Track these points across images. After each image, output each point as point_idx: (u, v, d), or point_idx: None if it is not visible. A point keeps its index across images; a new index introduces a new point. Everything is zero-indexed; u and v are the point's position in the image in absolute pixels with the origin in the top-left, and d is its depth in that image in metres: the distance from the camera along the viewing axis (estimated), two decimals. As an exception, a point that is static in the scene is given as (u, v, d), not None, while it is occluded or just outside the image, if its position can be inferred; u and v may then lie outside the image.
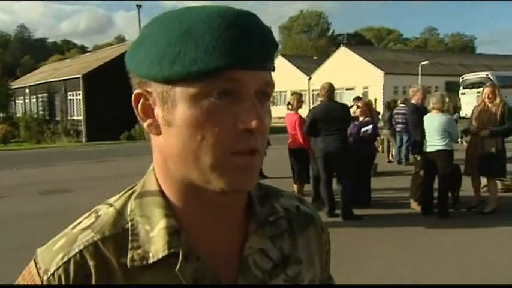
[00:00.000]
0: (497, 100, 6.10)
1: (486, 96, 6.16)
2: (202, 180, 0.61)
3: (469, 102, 16.71)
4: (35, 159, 14.99)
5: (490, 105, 6.11)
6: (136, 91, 0.64)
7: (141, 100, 0.64)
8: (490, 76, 22.00)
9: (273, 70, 0.64)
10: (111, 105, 24.16)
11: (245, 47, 0.58)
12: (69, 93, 27.23)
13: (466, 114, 12.04)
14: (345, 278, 4.01)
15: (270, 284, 0.69)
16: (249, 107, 0.59)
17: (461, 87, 21.93)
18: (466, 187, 6.61)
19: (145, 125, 0.64)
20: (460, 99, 14.75)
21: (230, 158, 0.59)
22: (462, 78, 23.68)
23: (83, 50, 77.77)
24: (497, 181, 6.87)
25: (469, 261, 4.45)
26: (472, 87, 19.03)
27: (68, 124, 26.64)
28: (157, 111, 0.62)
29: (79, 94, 25.88)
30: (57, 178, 10.45)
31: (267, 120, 0.62)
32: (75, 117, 26.67)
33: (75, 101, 26.77)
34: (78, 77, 25.50)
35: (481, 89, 6.66)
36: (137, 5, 24.91)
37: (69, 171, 12.03)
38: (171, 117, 0.60)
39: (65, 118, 27.44)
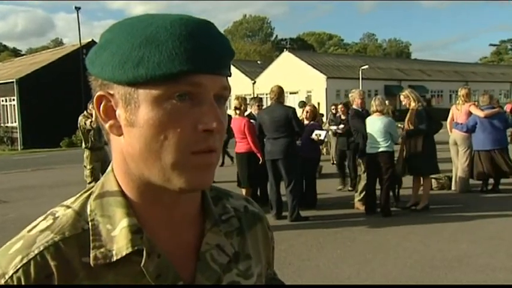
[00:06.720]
0: (412, 104, 6.46)
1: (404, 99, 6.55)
2: (162, 179, 0.64)
3: None
4: (-35, 169, 14.03)
5: (411, 108, 6.49)
6: (98, 93, 0.66)
7: (103, 102, 0.66)
8: None
9: (230, 76, 0.67)
10: (49, 111, 23.16)
11: (205, 54, 0.62)
12: (1, 99, 25.87)
13: None
14: (292, 279, 4.06)
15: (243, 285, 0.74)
16: (208, 109, 0.62)
17: None
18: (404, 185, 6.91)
19: (106, 126, 0.66)
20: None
21: (190, 157, 0.62)
22: None
23: (15, 53, 73.62)
24: (433, 179, 7.24)
25: (411, 256, 4.64)
26: None
27: (1, 131, 25.29)
28: (120, 112, 0.65)
29: (13, 99, 24.65)
30: (-10, 188, 9.83)
31: (225, 121, 0.65)
32: (9, 124, 25.39)
33: (8, 107, 25.48)
34: (12, 82, 24.29)
35: None
36: (76, 7, 23.91)
37: (3, 180, 11.33)
38: (134, 118, 0.63)
39: (-2, 125, 26.03)
